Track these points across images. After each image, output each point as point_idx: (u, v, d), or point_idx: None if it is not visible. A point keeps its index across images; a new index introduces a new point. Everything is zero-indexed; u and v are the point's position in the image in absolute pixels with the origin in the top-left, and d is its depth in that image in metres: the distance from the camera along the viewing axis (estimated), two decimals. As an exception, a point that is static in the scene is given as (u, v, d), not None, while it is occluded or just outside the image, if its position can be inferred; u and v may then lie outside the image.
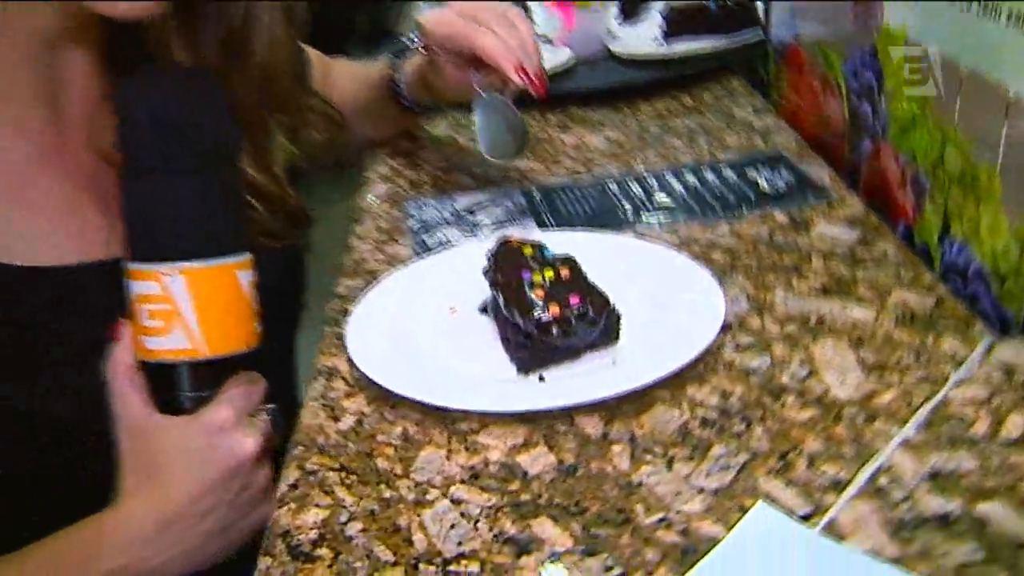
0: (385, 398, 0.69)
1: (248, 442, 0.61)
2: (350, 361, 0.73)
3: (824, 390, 0.67)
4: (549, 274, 0.72)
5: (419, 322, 0.77)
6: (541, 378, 0.70)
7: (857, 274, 0.80)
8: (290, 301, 0.92)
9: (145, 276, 0.60)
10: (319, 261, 0.96)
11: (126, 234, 0.61)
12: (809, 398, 0.66)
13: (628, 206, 0.96)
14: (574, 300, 0.69)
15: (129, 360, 0.62)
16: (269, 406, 0.65)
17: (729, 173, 1.01)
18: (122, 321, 0.62)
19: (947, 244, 0.79)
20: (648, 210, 0.95)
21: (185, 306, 0.60)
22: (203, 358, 0.61)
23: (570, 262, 0.73)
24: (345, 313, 0.80)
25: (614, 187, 1.01)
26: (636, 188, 1.00)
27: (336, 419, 0.69)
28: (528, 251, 0.75)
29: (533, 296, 0.70)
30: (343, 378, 0.73)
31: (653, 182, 1.01)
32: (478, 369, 0.72)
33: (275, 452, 0.66)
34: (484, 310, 0.79)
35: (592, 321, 0.69)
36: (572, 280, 0.72)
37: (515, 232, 0.82)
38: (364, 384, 0.71)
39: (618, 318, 0.71)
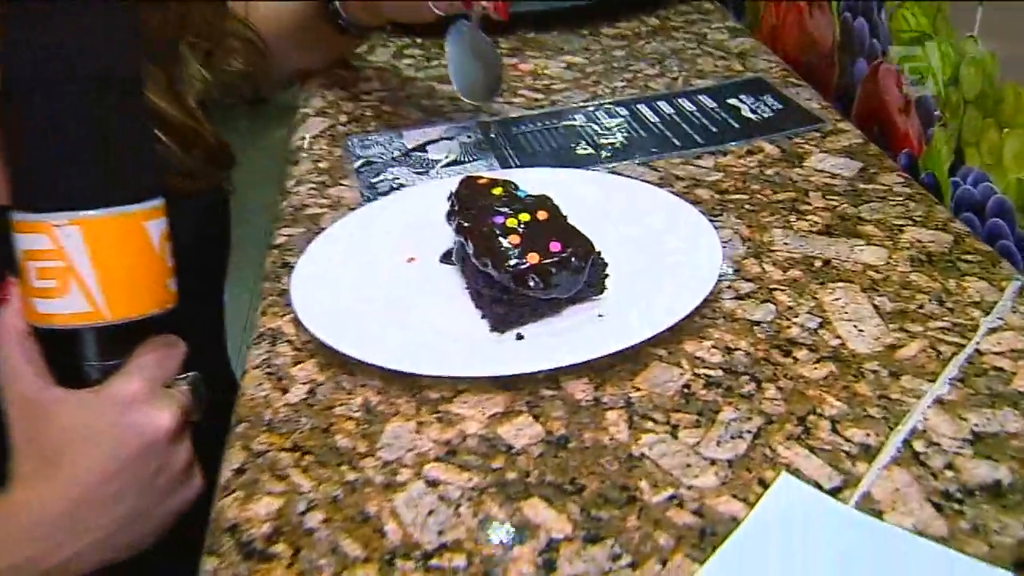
0: (340, 364, 0.60)
1: (163, 416, 0.54)
2: (296, 322, 0.63)
3: (839, 343, 0.59)
4: (524, 217, 0.62)
5: (373, 275, 0.68)
6: (519, 336, 0.61)
7: (861, 211, 0.72)
8: (213, 253, 0.82)
9: (33, 228, 0.50)
10: (246, 207, 0.86)
11: (10, 179, 0.51)
12: (824, 352, 0.58)
13: (598, 139, 0.87)
14: (554, 246, 0.60)
15: (20, 325, 0.52)
16: (189, 374, 0.58)
17: (707, 101, 0.92)
18: (10, 280, 0.52)
19: (961, 175, 0.71)
20: (621, 144, 0.86)
21: (82, 263, 0.51)
22: (106, 322, 0.52)
23: (547, 202, 0.64)
24: (286, 267, 0.70)
25: (580, 118, 0.91)
26: (605, 119, 0.90)
27: (284, 390, 0.59)
28: (497, 191, 0.65)
29: (507, 243, 0.61)
30: (289, 341, 0.64)
31: (624, 112, 0.92)
32: (446, 327, 0.63)
33: (216, 429, 0.57)
34: (448, 259, 0.69)
35: (576, 270, 0.60)
36: (550, 223, 0.63)
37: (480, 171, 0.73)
38: (314, 348, 0.62)
39: (604, 265, 0.63)
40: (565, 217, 0.64)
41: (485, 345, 0.60)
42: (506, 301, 0.61)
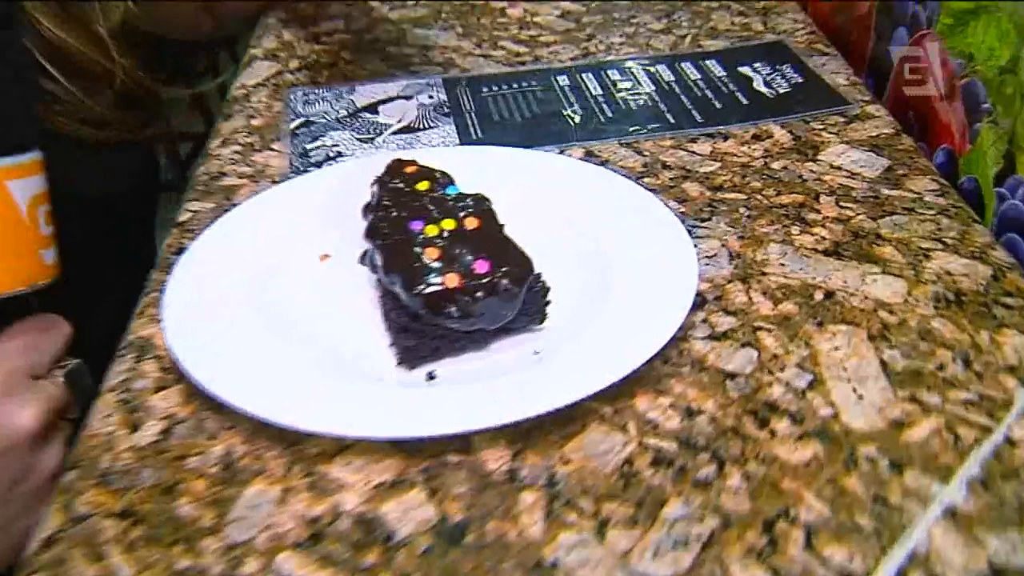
0: (208, 396, 0.48)
1: (23, 415, 0.48)
2: (163, 328, 0.51)
3: (831, 413, 0.46)
4: (449, 224, 0.50)
5: (273, 277, 0.56)
6: (430, 376, 0.49)
7: (881, 226, 0.59)
8: (130, 218, 0.70)
9: None
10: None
11: None
12: (810, 425, 0.46)
13: (579, 108, 0.73)
14: (481, 266, 0.48)
15: None
16: (70, 362, 0.52)
17: (715, 67, 0.78)
18: None
19: (1009, 186, 0.57)
20: (605, 115, 0.72)
21: None
22: None
23: (481, 206, 0.52)
24: (181, 253, 0.58)
25: (563, 80, 0.77)
26: (593, 83, 0.77)
27: (135, 426, 0.48)
28: (423, 186, 0.52)
29: (424, 258, 0.48)
30: (158, 357, 0.52)
31: (615, 75, 0.78)
32: (344, 355, 0.50)
33: None
34: (364, 258, 0.57)
35: (506, 297, 0.48)
36: (481, 234, 0.50)
37: (414, 153, 0.59)
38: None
39: (546, 291, 0.50)
40: (502, 226, 0.51)
41: (383, 390, 0.48)
42: (416, 331, 0.49)
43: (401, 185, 0.53)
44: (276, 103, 0.76)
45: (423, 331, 0.48)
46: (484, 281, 0.48)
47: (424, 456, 0.45)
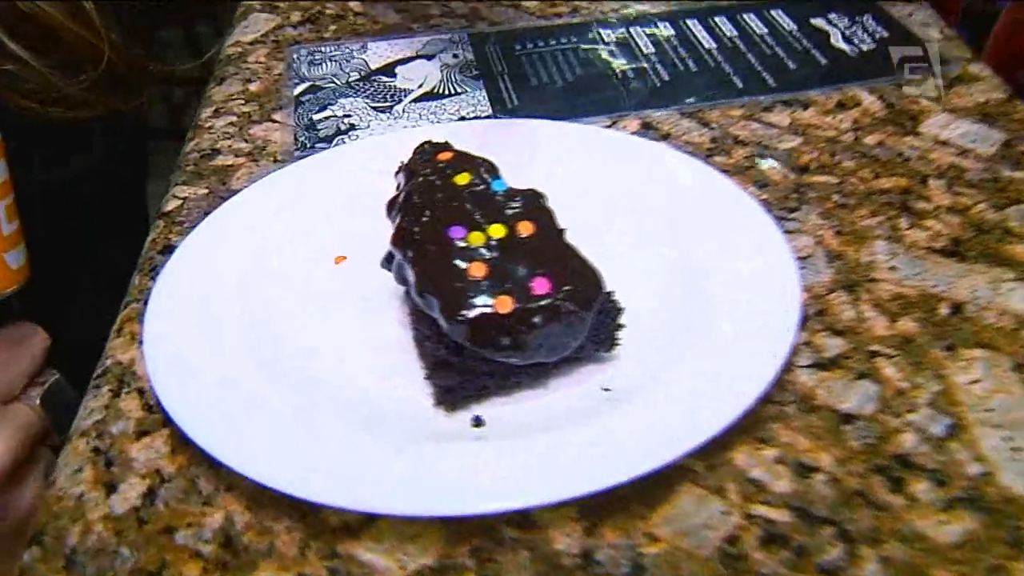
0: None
1: None
2: (143, 353, 0.42)
3: (982, 471, 0.37)
4: (498, 231, 0.40)
5: (279, 285, 0.46)
6: (477, 421, 0.39)
7: (1009, 217, 0.49)
8: (114, 208, 0.61)
9: None
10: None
11: None
12: (957, 489, 0.36)
13: (629, 71, 0.63)
14: (540, 285, 0.38)
15: None
16: (49, 378, 0.46)
17: (784, 20, 0.67)
18: None
19: None
20: (661, 79, 0.62)
21: None
22: None
23: (536, 208, 0.42)
24: (168, 251, 0.49)
25: (609, 35, 0.67)
26: (643, 40, 0.66)
27: (111, 487, 0.39)
28: (464, 179, 0.42)
29: (469, 275, 0.38)
30: (140, 391, 0.43)
31: (668, 30, 0.67)
32: (368, 391, 0.41)
33: None
34: (390, 262, 0.47)
35: (571, 322, 0.38)
36: (538, 244, 0.40)
37: (444, 131, 0.49)
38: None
39: (618, 313, 0.41)
40: (562, 232, 0.41)
41: (418, 448, 0.38)
42: (458, 365, 0.39)
43: (434, 178, 0.43)
44: (277, 64, 0.66)
45: (467, 366, 0.39)
46: (544, 304, 0.38)
47: (474, 532, 0.36)
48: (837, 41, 0.64)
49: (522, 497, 0.35)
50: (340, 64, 0.65)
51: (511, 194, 0.42)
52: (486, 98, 0.60)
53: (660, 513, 0.36)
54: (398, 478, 0.36)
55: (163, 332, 0.42)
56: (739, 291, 0.42)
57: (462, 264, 0.39)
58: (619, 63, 0.63)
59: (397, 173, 0.46)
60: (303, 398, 0.40)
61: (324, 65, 0.65)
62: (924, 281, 0.45)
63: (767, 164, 0.51)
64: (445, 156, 0.44)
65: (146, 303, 0.44)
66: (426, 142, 0.46)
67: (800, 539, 0.35)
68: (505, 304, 0.38)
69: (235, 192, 0.53)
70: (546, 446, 0.37)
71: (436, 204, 0.41)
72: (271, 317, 0.44)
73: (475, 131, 0.54)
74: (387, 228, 0.47)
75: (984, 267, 0.46)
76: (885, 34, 0.64)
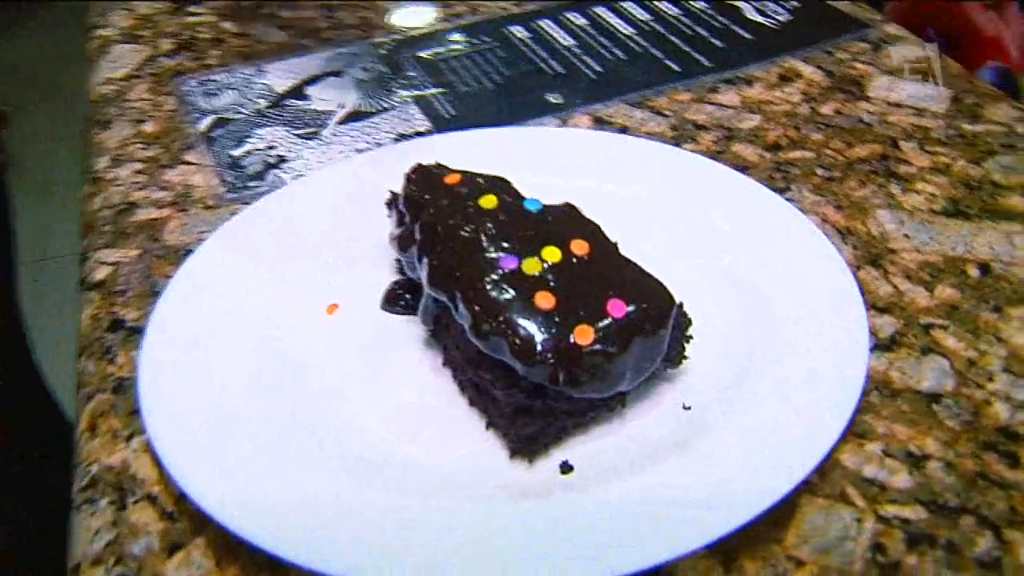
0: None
1: None
2: (154, 451, 0.35)
3: (1082, 428, 0.36)
4: (553, 255, 0.36)
5: (279, 337, 0.40)
6: (566, 467, 0.35)
7: (990, 169, 0.49)
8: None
9: None
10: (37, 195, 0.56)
11: None
12: (1067, 450, 0.35)
13: (557, 65, 0.59)
14: (615, 307, 0.34)
15: None
16: None
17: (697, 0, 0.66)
18: None
19: None
20: (593, 70, 0.59)
21: None
22: None
23: (581, 224, 0.38)
24: (119, 329, 0.41)
25: (519, 32, 0.63)
26: (556, 33, 0.63)
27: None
28: (490, 202, 0.38)
29: (537, 306, 0.34)
30: (150, 497, 0.36)
31: (580, 20, 0.64)
32: (421, 460, 0.36)
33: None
34: (396, 303, 0.42)
35: (652, 342, 0.35)
36: (598, 262, 0.36)
37: (402, 152, 0.44)
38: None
39: (688, 324, 0.37)
40: (615, 245, 0.37)
41: (507, 505, 0.33)
42: (538, 409, 0.34)
43: (452, 204, 0.38)
44: (165, 99, 0.58)
45: (547, 408, 0.35)
46: (623, 327, 0.34)
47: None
48: (751, 14, 0.63)
49: (655, 551, 0.31)
50: (240, 92, 0.58)
51: (547, 211, 0.38)
52: (420, 111, 0.55)
53: (792, 532, 0.33)
54: (498, 550, 0.31)
55: (170, 403, 0.35)
56: (795, 293, 0.40)
57: (527, 296, 0.34)
58: (543, 58, 0.59)
59: (390, 205, 0.41)
60: (354, 479, 0.34)
61: (222, 95, 0.58)
62: (941, 245, 0.45)
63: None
64: (453, 179, 0.39)
65: (115, 390, 0.37)
66: (417, 166, 0.41)
67: (944, 534, 0.33)
68: (585, 334, 0.34)
69: (172, 249, 0.46)
70: (652, 486, 0.33)
71: (468, 233, 0.37)
72: (284, 374, 0.38)
73: (449, 143, 0.49)
74: (377, 266, 0.43)
75: (991, 223, 0.46)
76: (796, 3, 0.64)
